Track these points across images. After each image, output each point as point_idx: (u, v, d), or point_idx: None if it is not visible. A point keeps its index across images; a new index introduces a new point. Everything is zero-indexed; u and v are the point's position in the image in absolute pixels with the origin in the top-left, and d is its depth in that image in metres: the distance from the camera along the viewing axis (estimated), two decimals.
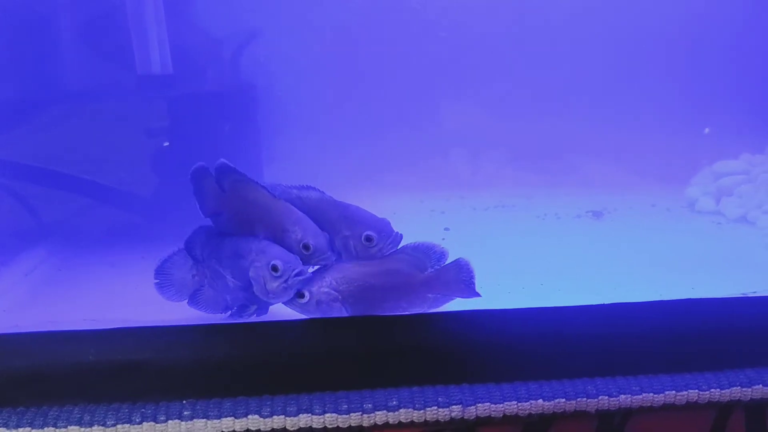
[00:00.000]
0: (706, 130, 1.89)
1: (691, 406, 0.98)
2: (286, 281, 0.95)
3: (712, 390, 0.98)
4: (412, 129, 1.88)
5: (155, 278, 1.05)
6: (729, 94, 1.88)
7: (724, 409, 1.00)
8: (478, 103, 1.92)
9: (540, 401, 0.95)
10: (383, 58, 1.84)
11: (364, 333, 0.98)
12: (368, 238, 0.99)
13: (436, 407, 0.94)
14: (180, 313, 1.07)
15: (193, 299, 1.05)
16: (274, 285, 0.96)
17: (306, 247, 0.98)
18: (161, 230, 1.44)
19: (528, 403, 0.95)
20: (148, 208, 1.51)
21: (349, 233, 1.00)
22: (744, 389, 0.98)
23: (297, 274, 0.96)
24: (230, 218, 1.03)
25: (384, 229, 1.00)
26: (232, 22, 1.63)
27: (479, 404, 0.94)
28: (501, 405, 0.95)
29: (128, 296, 1.21)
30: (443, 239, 1.50)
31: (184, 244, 1.05)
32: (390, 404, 0.93)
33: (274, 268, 0.95)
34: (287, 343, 0.96)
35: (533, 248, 1.46)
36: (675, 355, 1.00)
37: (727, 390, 0.98)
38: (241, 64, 1.60)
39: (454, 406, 0.94)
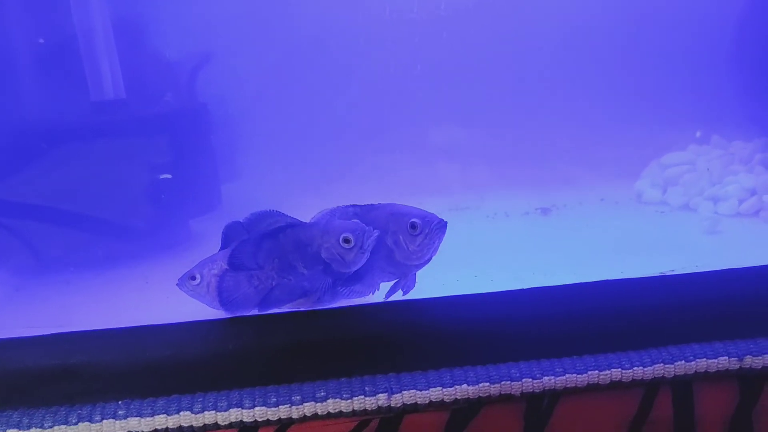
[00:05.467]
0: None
1: (616, 385, 1.00)
2: (360, 247, 1.01)
3: (635, 368, 1.00)
4: (376, 139, 1.94)
5: (225, 310, 1.04)
6: (681, 89, 1.92)
7: (650, 387, 1.02)
8: (435, 111, 1.96)
9: (465, 386, 0.97)
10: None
11: (290, 327, 1.01)
12: (413, 225, 1.02)
13: (363, 396, 0.96)
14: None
15: (267, 302, 1.04)
16: (351, 255, 1.01)
17: (347, 240, 1.01)
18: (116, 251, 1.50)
19: (453, 388, 0.97)
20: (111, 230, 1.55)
21: (396, 227, 1.04)
22: (667, 366, 1.00)
23: (368, 236, 1.01)
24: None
25: (427, 216, 1.03)
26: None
27: (405, 391, 0.97)
28: (426, 392, 0.97)
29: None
30: None
31: (228, 262, 1.03)
32: (318, 395, 0.96)
33: (347, 240, 1.00)
34: (214, 343, 0.99)
35: (476, 245, 1.49)
36: (597, 336, 1.02)
37: (650, 367, 1.00)
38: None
39: (380, 395, 0.96)
